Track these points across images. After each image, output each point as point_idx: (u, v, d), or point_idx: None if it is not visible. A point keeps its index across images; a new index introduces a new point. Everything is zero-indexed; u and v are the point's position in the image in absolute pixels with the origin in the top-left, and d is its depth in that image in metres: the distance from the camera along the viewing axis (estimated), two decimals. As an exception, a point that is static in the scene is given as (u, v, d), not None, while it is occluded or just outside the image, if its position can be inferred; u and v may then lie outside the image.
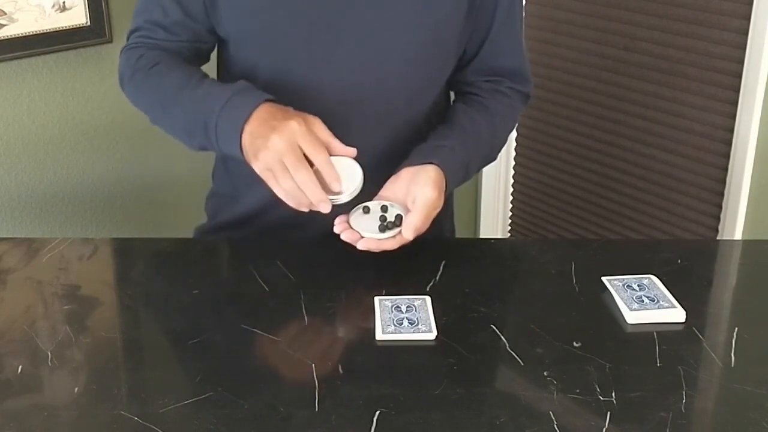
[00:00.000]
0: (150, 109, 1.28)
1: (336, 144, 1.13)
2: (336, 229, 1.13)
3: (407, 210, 1.15)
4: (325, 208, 1.11)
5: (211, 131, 1.16)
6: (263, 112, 1.13)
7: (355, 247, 1.14)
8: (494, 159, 1.35)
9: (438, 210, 1.15)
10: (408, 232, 1.12)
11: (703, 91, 2.09)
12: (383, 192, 1.19)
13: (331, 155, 1.12)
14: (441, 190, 1.16)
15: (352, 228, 1.13)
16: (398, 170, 1.20)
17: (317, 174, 1.11)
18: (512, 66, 1.35)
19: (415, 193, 1.14)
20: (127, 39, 1.34)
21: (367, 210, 1.16)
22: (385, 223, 1.13)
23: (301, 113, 1.14)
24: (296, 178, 1.09)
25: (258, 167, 1.12)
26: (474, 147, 1.26)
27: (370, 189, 1.17)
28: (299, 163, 1.09)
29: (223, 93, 1.17)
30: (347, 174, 1.14)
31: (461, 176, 1.24)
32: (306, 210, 1.12)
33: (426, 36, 1.24)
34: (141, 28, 1.31)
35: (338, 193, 1.13)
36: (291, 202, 1.12)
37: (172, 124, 1.25)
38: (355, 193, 1.14)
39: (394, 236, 1.13)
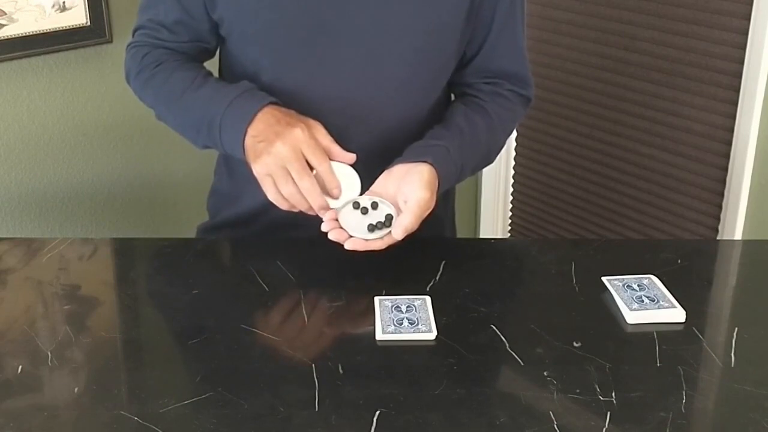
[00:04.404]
0: (155, 107, 1.31)
1: (337, 150, 1.15)
2: (324, 227, 1.13)
3: (397, 208, 1.15)
4: (326, 217, 1.13)
5: (215, 131, 1.18)
6: (267, 116, 1.14)
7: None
8: (491, 162, 1.34)
9: (430, 210, 1.15)
10: (398, 232, 1.11)
11: (703, 91, 2.09)
12: (374, 187, 1.18)
13: (330, 160, 1.14)
14: (433, 190, 1.15)
15: (340, 226, 1.13)
16: (391, 166, 1.19)
17: (317, 179, 1.12)
18: (512, 69, 1.34)
19: (407, 193, 1.14)
20: (132, 35, 1.35)
21: (356, 206, 1.15)
22: (374, 223, 1.13)
23: (304, 118, 1.15)
24: (300, 185, 1.11)
25: (258, 171, 1.13)
26: (470, 148, 1.26)
27: (364, 190, 1.18)
28: (303, 171, 1.11)
29: (227, 95, 1.19)
30: (345, 180, 1.15)
31: (455, 177, 1.24)
32: (296, 211, 1.14)
33: (425, 40, 1.24)
34: (145, 26, 1.32)
35: (336, 198, 1.14)
36: (284, 206, 1.13)
37: (177, 123, 1.28)
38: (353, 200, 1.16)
39: (382, 237, 1.13)
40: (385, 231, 1.12)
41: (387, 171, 1.19)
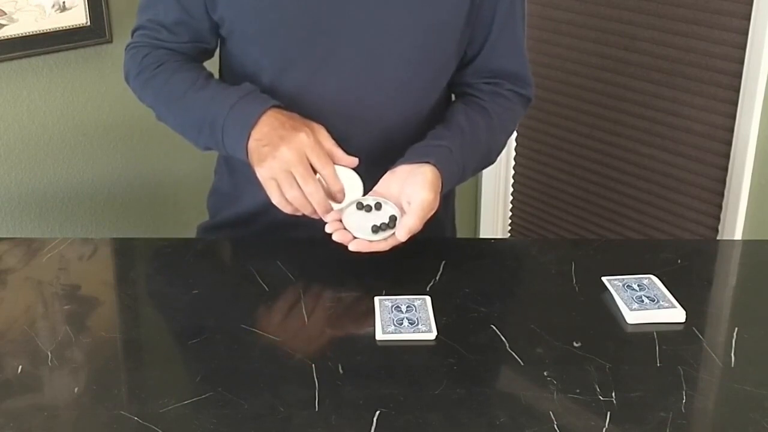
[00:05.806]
0: (156, 107, 1.31)
1: (339, 154, 1.15)
2: (328, 229, 1.13)
3: (401, 209, 1.15)
4: (329, 218, 1.13)
5: (217, 134, 1.18)
6: (270, 119, 1.15)
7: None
8: (492, 162, 1.34)
9: (433, 211, 1.15)
10: (402, 234, 1.11)
11: (703, 91, 2.09)
12: (378, 187, 1.18)
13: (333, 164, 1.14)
14: (437, 191, 1.15)
15: (344, 227, 1.13)
16: (394, 167, 1.19)
17: (320, 183, 1.12)
18: (512, 68, 1.34)
19: (411, 194, 1.14)
20: (132, 35, 1.34)
21: (360, 206, 1.16)
22: (378, 224, 1.13)
23: (308, 122, 1.16)
24: (305, 189, 1.11)
25: (262, 174, 1.13)
26: (471, 148, 1.26)
27: (366, 190, 1.18)
28: (308, 175, 1.11)
29: (229, 96, 1.19)
30: (348, 183, 1.15)
31: (457, 177, 1.24)
32: (299, 214, 1.14)
33: (425, 39, 1.24)
34: (144, 27, 1.32)
35: (339, 203, 1.15)
36: (288, 210, 1.13)
37: (177, 123, 1.28)
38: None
39: (386, 238, 1.13)
40: (389, 232, 1.12)
41: (390, 171, 1.19)
